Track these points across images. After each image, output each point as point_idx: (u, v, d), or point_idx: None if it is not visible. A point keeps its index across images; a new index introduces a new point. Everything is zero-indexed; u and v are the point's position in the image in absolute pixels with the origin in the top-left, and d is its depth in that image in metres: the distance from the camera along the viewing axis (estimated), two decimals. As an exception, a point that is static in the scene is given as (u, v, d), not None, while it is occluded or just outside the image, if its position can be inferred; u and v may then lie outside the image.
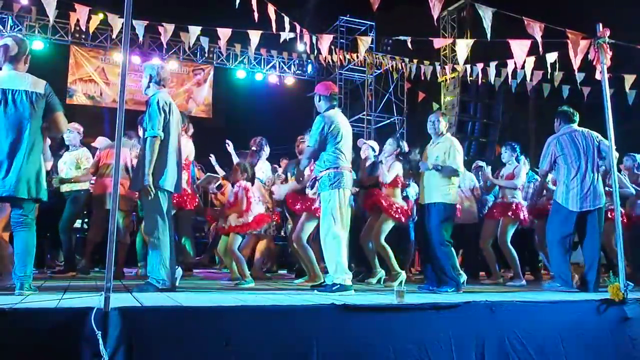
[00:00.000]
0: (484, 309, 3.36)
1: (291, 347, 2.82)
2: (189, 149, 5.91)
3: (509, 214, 6.12)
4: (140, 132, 5.41)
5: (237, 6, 5.07)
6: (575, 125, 5.12)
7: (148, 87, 4.23)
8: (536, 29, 4.42)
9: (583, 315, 3.65)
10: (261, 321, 2.85)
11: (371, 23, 14.85)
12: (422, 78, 11.61)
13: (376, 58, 14.57)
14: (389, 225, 5.67)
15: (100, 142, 6.30)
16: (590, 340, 3.55)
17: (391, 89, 15.24)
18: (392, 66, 13.55)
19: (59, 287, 4.20)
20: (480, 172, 6.96)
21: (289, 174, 6.23)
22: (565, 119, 5.13)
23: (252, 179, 5.46)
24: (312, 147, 4.36)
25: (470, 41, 5.93)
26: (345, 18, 15.00)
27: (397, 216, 5.61)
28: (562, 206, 4.98)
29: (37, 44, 12.46)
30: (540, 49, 4.72)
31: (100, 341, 2.42)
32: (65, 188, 6.00)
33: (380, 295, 4.12)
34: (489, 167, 6.58)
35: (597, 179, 4.97)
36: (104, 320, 2.50)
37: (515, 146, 6.38)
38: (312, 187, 4.89)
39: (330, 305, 3.05)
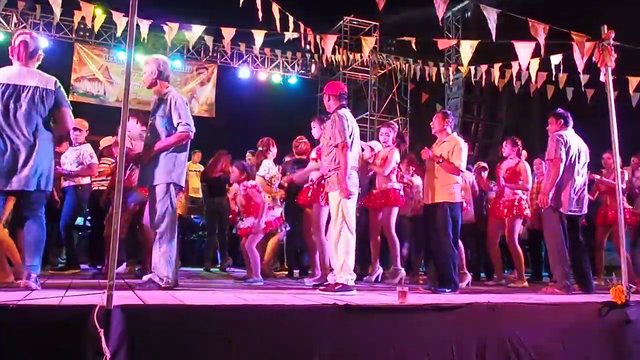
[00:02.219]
0: (486, 310, 3.36)
1: (293, 346, 2.82)
2: None
3: (513, 211, 6.10)
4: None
5: (241, 5, 5.06)
6: (570, 129, 5.12)
7: (155, 83, 4.20)
8: (540, 31, 4.41)
9: (585, 318, 3.64)
10: (263, 321, 2.85)
11: (375, 23, 14.84)
12: (427, 79, 11.59)
13: (380, 58, 14.57)
14: (394, 214, 5.68)
15: (106, 143, 6.33)
16: (592, 343, 3.55)
17: (395, 89, 15.24)
18: (396, 66, 13.54)
19: (62, 284, 4.22)
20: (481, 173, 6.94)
21: (287, 174, 6.23)
22: (566, 122, 5.13)
23: (252, 178, 5.48)
24: (346, 142, 4.22)
25: (475, 42, 5.91)
26: (349, 18, 15.00)
27: (400, 200, 5.64)
28: (555, 208, 4.96)
29: (41, 41, 12.45)
30: (542, 51, 4.70)
31: (103, 339, 2.43)
32: (65, 183, 6.00)
33: (382, 295, 4.12)
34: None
35: (586, 184, 5.01)
36: (106, 318, 2.50)
37: (517, 141, 6.35)
38: (318, 185, 4.89)
39: (332, 305, 3.05)
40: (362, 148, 6.11)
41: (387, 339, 3.01)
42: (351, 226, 4.18)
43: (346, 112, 4.39)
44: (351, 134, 4.31)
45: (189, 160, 8.34)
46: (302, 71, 15.74)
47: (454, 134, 4.97)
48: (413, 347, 3.03)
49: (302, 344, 2.83)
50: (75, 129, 6.05)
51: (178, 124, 4.05)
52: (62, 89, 3.76)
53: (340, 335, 2.93)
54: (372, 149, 6.21)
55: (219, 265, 7.83)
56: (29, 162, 3.51)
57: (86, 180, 6.05)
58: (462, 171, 4.80)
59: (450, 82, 14.45)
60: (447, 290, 4.53)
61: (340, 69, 15.05)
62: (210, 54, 14.37)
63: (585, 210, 5.00)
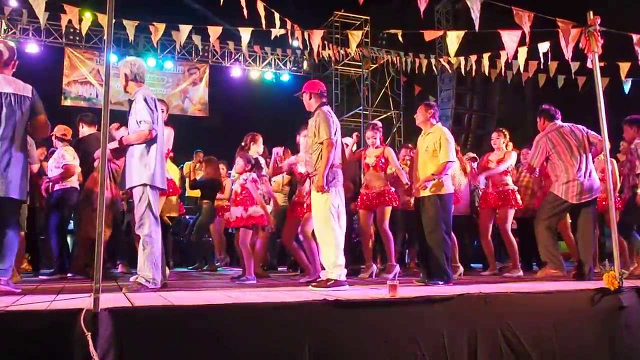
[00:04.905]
0: (478, 301, 3.36)
1: (283, 344, 2.82)
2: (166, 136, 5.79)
3: (505, 201, 6.12)
4: (121, 131, 5.34)
5: (222, 4, 5.04)
6: (559, 121, 5.17)
7: (127, 85, 4.22)
8: (525, 19, 4.39)
9: (578, 305, 3.64)
10: (253, 319, 2.85)
11: (366, 17, 14.78)
12: (417, 72, 11.57)
13: (372, 52, 14.52)
14: (388, 213, 5.68)
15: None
16: (585, 329, 3.55)
17: (387, 83, 15.20)
18: (387, 60, 13.49)
19: (53, 288, 4.20)
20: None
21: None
22: (549, 117, 5.22)
23: (255, 170, 5.49)
24: (331, 140, 4.23)
25: (461, 33, 5.89)
26: (340, 13, 14.93)
27: (393, 200, 5.64)
28: (558, 197, 5.01)
29: (32, 47, 12.47)
30: (527, 39, 4.69)
31: (90, 342, 2.41)
32: (55, 187, 5.93)
33: (374, 289, 4.11)
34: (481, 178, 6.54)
35: (592, 169, 5.03)
36: (93, 322, 2.49)
37: (505, 132, 6.39)
38: (302, 183, 4.87)
39: (322, 301, 3.05)
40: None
41: (378, 333, 3.01)
42: (337, 222, 4.19)
43: (329, 109, 4.40)
44: (335, 132, 4.30)
45: (190, 160, 8.42)
46: (294, 68, 15.71)
47: (438, 124, 4.96)
48: (404, 340, 3.03)
49: (291, 341, 2.83)
50: (57, 137, 5.95)
51: (140, 122, 4.03)
52: (38, 96, 3.78)
53: (330, 330, 2.93)
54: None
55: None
56: (9, 168, 3.53)
57: (74, 184, 5.95)
58: (452, 162, 4.78)
59: (442, 74, 14.40)
60: (439, 282, 4.54)
61: (332, 65, 14.99)
62: (201, 53, 14.32)
63: (595, 193, 5.06)
